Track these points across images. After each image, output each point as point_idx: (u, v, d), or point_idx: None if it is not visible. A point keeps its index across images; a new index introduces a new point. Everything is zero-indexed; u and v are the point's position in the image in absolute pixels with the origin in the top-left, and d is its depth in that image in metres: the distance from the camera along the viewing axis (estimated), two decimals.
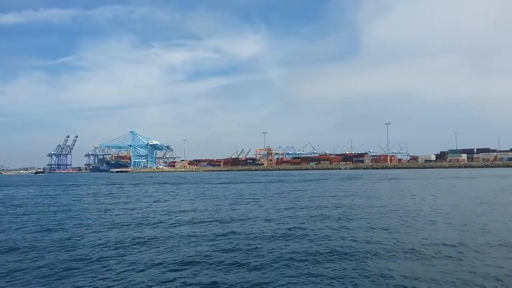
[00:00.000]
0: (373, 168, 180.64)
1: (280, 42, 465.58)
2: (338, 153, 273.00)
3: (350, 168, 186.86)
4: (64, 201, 34.99)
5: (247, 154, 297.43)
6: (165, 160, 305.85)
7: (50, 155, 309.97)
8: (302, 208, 25.30)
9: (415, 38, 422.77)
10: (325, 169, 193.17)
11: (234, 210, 25.49)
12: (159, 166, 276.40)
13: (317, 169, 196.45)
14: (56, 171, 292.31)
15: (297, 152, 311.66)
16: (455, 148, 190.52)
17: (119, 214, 24.33)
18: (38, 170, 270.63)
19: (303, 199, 32.06)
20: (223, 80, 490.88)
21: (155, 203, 31.42)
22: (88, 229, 18.51)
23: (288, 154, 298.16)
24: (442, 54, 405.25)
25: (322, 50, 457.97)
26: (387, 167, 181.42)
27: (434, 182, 55.55)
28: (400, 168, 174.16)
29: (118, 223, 20.49)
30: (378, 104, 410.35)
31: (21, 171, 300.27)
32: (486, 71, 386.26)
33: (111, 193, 45.76)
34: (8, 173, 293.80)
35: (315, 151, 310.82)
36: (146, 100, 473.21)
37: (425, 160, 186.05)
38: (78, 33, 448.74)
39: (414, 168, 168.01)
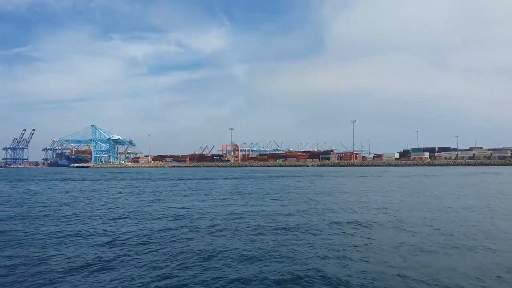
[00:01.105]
0: (340, 166, 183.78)
1: (243, 37, 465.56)
2: (302, 150, 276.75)
3: (317, 165, 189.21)
4: (59, 198, 32.92)
5: (211, 150, 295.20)
6: (126, 155, 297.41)
7: (5, 149, 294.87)
8: (319, 203, 24.91)
9: (377, 35, 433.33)
10: (292, 166, 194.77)
11: (253, 205, 24.72)
12: (122, 162, 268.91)
13: (284, 166, 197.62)
14: (12, 166, 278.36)
15: (261, 149, 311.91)
16: (417, 147, 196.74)
17: (136, 210, 22.97)
18: None
19: (312, 195, 31.72)
20: (187, 74, 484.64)
21: (156, 200, 30.09)
22: (106, 224, 17.29)
23: (252, 150, 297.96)
24: (402, 51, 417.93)
25: (286, 46, 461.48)
26: (353, 165, 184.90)
27: (439, 181, 56.78)
28: (366, 165, 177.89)
29: (142, 216, 19.30)
30: (339, 102, 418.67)
31: None
32: (445, 69, 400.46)
33: (97, 189, 43.69)
34: None
35: (279, 148, 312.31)
36: (106, 93, 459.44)
37: (395, 158, 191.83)
38: (34, 22, 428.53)
39: (379, 166, 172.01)
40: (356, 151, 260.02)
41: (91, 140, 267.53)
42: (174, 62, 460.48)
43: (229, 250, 12.55)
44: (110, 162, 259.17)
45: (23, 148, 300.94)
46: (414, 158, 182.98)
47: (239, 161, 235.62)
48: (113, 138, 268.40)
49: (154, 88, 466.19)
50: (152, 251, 12.48)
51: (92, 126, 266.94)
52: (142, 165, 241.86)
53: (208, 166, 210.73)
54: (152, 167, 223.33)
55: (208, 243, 13.59)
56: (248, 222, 18.26)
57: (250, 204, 25.76)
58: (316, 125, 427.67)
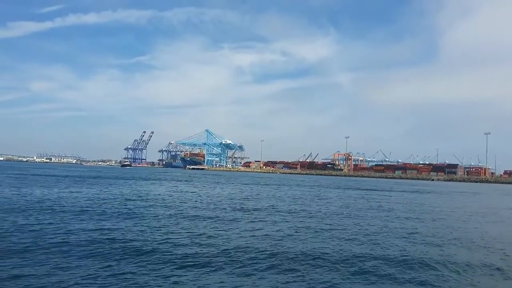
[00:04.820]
0: (470, 181, 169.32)
1: (350, 45, 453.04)
2: (413, 162, 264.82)
3: (444, 180, 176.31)
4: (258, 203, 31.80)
5: (314, 158, 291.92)
6: (233, 159, 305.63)
7: (127, 149, 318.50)
8: None
9: (500, 42, 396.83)
10: (414, 179, 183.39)
11: None
12: (230, 166, 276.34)
13: (405, 178, 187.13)
14: (132, 165, 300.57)
15: (368, 159, 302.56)
16: None
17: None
18: (125, 163, 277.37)
19: None
20: (290, 83, 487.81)
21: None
22: None
23: (361, 161, 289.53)
24: None
25: (395, 55, 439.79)
26: (486, 181, 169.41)
27: None
28: (503, 183, 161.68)
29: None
30: (453, 112, 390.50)
31: (99, 163, 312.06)
32: None
33: (277, 196, 42.45)
34: (88, 164, 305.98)
35: (386, 159, 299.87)
36: (214, 100, 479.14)
37: None
38: (152, 33, 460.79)
39: None
40: (481, 165, 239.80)
41: (205, 143, 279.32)
42: (278, 70, 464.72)
43: None
44: (222, 165, 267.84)
45: (142, 149, 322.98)
46: None
47: (352, 171, 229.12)
48: (225, 142, 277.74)
49: (258, 96, 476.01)
50: None
51: (206, 130, 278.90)
52: (254, 170, 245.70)
53: (320, 174, 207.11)
54: (264, 172, 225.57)
55: None
56: None
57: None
58: (425, 136, 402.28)
